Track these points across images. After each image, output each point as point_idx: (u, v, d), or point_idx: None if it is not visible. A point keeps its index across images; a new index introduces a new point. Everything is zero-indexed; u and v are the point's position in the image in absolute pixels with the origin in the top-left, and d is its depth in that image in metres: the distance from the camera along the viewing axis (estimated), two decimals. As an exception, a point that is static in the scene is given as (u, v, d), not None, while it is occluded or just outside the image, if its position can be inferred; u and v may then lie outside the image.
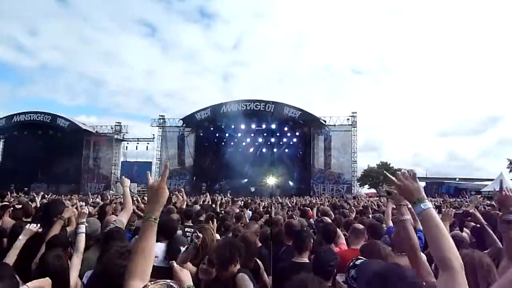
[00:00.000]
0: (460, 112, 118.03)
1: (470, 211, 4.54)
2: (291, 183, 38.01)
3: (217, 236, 4.48)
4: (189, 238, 3.65)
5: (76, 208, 3.39)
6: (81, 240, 3.09)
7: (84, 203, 3.55)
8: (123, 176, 4.16)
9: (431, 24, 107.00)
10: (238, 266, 2.70)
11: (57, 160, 37.51)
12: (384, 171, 1.84)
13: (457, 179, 55.09)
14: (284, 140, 39.23)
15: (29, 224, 3.21)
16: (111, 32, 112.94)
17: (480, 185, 43.95)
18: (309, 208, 8.54)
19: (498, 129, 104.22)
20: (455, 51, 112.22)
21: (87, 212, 3.47)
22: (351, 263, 2.49)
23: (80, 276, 2.92)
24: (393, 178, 1.72)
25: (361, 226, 4.12)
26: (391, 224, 4.89)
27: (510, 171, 50.86)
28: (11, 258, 2.88)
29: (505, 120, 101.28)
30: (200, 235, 3.22)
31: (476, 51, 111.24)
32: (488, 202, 17.75)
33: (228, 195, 12.45)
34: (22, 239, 3.03)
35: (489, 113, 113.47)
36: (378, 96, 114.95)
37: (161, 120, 39.75)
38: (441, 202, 15.91)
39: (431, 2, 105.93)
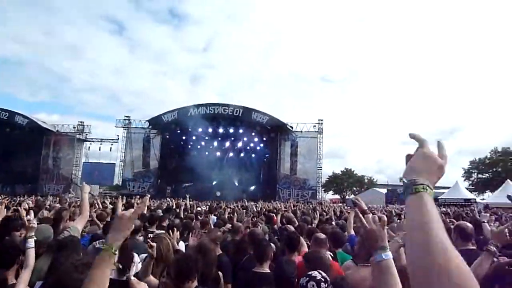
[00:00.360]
0: (423, 122, 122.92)
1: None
2: (257, 187, 38.10)
3: (181, 244, 4.42)
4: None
5: (24, 222, 3.20)
6: (31, 255, 2.97)
7: (32, 218, 3.35)
8: (84, 182, 3.99)
9: (398, 34, 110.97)
10: (195, 283, 2.65)
11: (13, 159, 35.88)
12: (358, 212, 1.84)
13: (417, 187, 56.89)
14: (251, 145, 39.31)
15: None
16: (78, 26, 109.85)
17: (438, 192, 45.79)
18: (273, 214, 8.57)
19: (456, 140, 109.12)
20: (418, 62, 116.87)
21: (36, 227, 3.30)
22: (305, 281, 2.49)
23: (30, 285, 2.81)
24: (363, 219, 1.69)
25: (323, 236, 4.17)
26: (353, 232, 5.00)
27: (464, 180, 53.50)
28: None
29: (463, 131, 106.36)
30: (154, 244, 3.17)
31: (438, 63, 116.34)
32: (444, 210, 18.50)
33: (188, 199, 12.31)
34: None
35: (450, 124, 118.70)
36: (344, 104, 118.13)
37: (127, 121, 38.94)
38: (401, 210, 16.39)
39: (398, 14, 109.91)
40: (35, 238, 3.25)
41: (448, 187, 39.11)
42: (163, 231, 4.68)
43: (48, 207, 8.74)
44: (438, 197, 38.43)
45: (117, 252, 1.57)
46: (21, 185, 36.45)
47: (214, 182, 37.84)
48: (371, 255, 1.58)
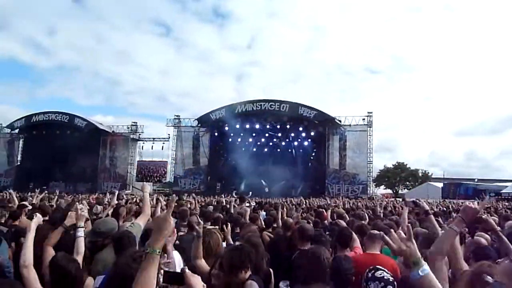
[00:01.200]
0: (479, 111, 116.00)
1: (483, 217, 4.39)
2: (306, 183, 37.82)
3: (230, 240, 4.50)
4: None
5: (76, 211, 3.33)
6: (80, 243, 3.09)
7: (83, 207, 3.48)
8: (144, 182, 4.21)
9: (449, 22, 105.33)
10: (248, 273, 2.67)
11: (74, 160, 38.21)
12: (383, 236, 1.72)
13: (476, 180, 53.99)
14: (299, 140, 39.14)
15: (36, 215, 3.22)
16: (126, 31, 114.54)
17: (501, 186, 43.10)
18: (323, 210, 8.47)
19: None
20: (474, 49, 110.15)
21: (86, 216, 3.45)
22: (369, 275, 2.42)
23: (94, 276, 2.91)
24: (388, 240, 1.59)
25: (377, 232, 4.05)
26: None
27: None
28: (27, 250, 2.84)
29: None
30: (199, 223, 3.22)
31: (496, 49, 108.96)
32: (507, 204, 17.36)
33: (234, 194, 12.42)
34: (33, 228, 3.04)
35: (508, 112, 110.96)
36: (393, 95, 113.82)
37: (176, 120, 40.08)
38: (460, 205, 15.60)
39: (450, 0, 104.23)
40: (99, 230, 3.44)
41: (512, 180, 36.64)
42: (216, 226, 4.77)
43: (106, 204, 9.17)
44: (501, 191, 36.26)
45: (160, 253, 1.65)
46: (82, 184, 38.77)
47: (261, 180, 37.97)
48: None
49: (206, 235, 3.41)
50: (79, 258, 2.94)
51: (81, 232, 3.15)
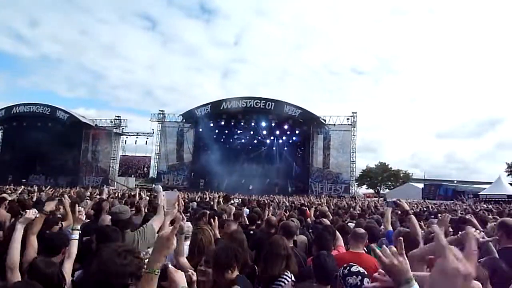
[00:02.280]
0: (459, 113, 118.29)
1: (467, 217, 4.51)
2: (289, 181, 38.13)
3: (217, 234, 4.49)
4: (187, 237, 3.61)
5: (68, 212, 3.31)
6: (74, 246, 3.04)
7: (81, 209, 3.46)
8: (159, 185, 4.28)
9: (432, 24, 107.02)
10: (235, 273, 2.64)
11: (55, 153, 37.57)
12: (375, 250, 1.56)
13: (455, 182, 55.20)
14: (284, 138, 39.24)
15: (26, 212, 3.15)
16: (111, 25, 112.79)
17: (479, 188, 44.06)
18: (306, 208, 8.53)
19: (497, 132, 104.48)
20: (457, 52, 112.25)
21: (84, 219, 3.44)
22: (346, 271, 2.45)
23: None
24: (380, 254, 1.47)
25: (362, 231, 4.11)
26: (390, 228, 4.90)
27: (508, 175, 51.10)
28: (14, 252, 2.81)
29: (505, 124, 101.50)
30: (184, 217, 3.17)
31: (478, 53, 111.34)
32: (485, 206, 17.78)
33: (215, 192, 12.43)
34: (20, 228, 2.97)
35: (488, 116, 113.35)
36: (378, 96, 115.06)
37: (161, 115, 39.79)
38: (439, 205, 15.92)
39: (434, 3, 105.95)
40: (119, 210, 3.57)
41: (490, 182, 37.54)
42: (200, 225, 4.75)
43: (88, 198, 9.07)
44: (479, 193, 37.07)
45: (158, 272, 1.63)
46: (63, 177, 38.09)
47: (244, 177, 37.99)
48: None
49: (198, 233, 3.40)
50: (69, 261, 2.91)
51: (76, 235, 3.13)
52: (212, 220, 4.51)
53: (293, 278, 3.15)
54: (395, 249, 1.46)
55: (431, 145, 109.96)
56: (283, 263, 3.22)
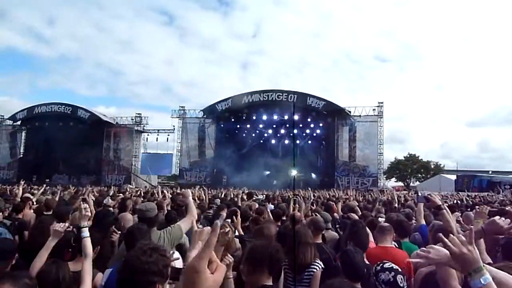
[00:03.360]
0: (492, 100, 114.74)
1: (506, 208, 4.35)
2: (314, 175, 38.06)
3: (240, 231, 4.49)
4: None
5: (79, 210, 3.28)
6: (87, 245, 3.00)
7: (87, 206, 3.42)
8: (187, 189, 4.30)
9: (461, 6, 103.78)
10: (266, 277, 2.40)
11: (78, 152, 38.45)
12: (442, 237, 1.51)
13: (490, 172, 53.57)
14: (307, 131, 39.13)
15: (55, 224, 3.19)
16: (128, 20, 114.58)
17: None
18: (333, 203, 8.47)
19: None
20: (488, 36, 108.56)
21: (90, 215, 3.45)
22: (378, 268, 2.44)
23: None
24: (449, 243, 1.47)
25: (386, 224, 4.06)
26: (423, 222, 4.80)
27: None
28: (42, 259, 2.91)
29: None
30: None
31: (509, 35, 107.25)
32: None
33: (238, 189, 12.47)
34: (51, 246, 3.04)
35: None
36: (403, 84, 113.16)
37: (181, 111, 40.13)
38: (474, 197, 15.50)
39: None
40: (146, 208, 3.60)
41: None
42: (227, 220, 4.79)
43: (110, 196, 9.28)
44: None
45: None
46: (86, 176, 39.05)
47: (268, 172, 38.13)
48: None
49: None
50: (87, 261, 2.89)
51: (86, 232, 3.09)
52: (234, 217, 4.51)
53: (322, 266, 3.37)
54: (463, 238, 1.47)
55: (462, 134, 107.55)
56: (313, 250, 3.45)
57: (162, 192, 10.92)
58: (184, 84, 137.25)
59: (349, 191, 19.60)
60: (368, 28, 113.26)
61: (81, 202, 3.91)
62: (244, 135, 39.75)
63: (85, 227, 3.13)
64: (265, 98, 35.76)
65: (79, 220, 3.20)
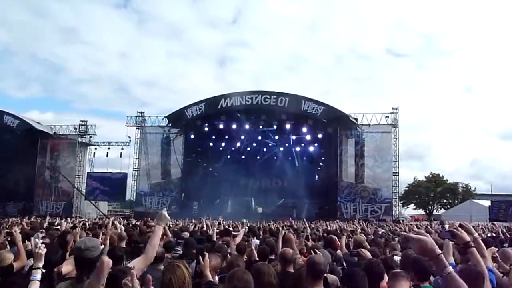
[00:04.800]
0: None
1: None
2: (311, 202, 37.95)
3: (209, 276, 4.42)
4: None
5: (20, 248, 3.27)
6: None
7: (39, 243, 3.44)
8: (164, 212, 4.08)
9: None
10: None
11: (3, 171, 37.57)
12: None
13: (533, 197, 54.37)
14: (302, 144, 39.25)
15: None
16: (72, 3, 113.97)
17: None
18: (335, 237, 8.46)
19: None
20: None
21: (44, 254, 3.43)
22: None
23: None
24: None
25: (400, 270, 4.04)
26: (452, 260, 4.79)
27: None
28: None
29: None
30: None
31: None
32: None
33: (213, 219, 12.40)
34: None
35: None
36: (424, 86, 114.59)
37: (140, 118, 39.90)
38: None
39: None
40: (86, 245, 3.46)
41: None
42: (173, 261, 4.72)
43: (43, 230, 9.14)
44: None
45: None
46: (13, 204, 38.27)
47: (251, 198, 38.01)
48: None
49: (167, 271, 3.29)
50: None
51: (38, 275, 3.12)
52: (201, 257, 4.46)
53: None
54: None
55: (497, 149, 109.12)
56: None
57: (113, 223, 10.78)
58: (144, 84, 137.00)
59: (356, 222, 19.63)
60: (379, 16, 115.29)
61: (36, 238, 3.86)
62: (220, 149, 39.68)
63: (38, 268, 3.17)
64: (248, 101, 35.81)
65: (34, 259, 3.23)
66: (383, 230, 14.14)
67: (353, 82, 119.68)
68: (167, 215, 4.05)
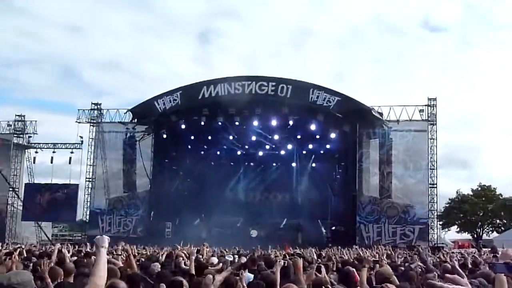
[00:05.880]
0: None
1: None
2: (321, 223, 38.08)
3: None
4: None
5: None
6: None
7: None
8: (103, 236, 4.02)
9: None
10: None
11: None
12: None
13: None
14: (310, 146, 39.44)
15: None
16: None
17: None
18: (353, 269, 8.44)
19: None
20: None
21: None
22: None
23: None
24: None
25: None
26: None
27: None
28: None
29: None
30: None
31: None
32: None
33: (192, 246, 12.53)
34: None
35: None
36: (470, 69, 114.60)
37: (95, 111, 39.91)
38: None
39: None
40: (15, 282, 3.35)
41: None
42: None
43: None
44: None
45: None
46: None
47: (241, 218, 37.89)
48: None
49: None
50: None
51: None
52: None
53: None
54: None
55: None
56: None
57: (60, 251, 10.71)
58: (100, 67, 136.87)
59: (381, 249, 19.62)
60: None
61: None
62: (202, 153, 39.94)
63: None
64: (238, 90, 35.58)
65: None
66: (417, 263, 14.11)
67: (377, 64, 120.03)
68: (104, 238, 3.94)
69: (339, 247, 23.03)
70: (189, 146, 39.07)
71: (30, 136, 41.65)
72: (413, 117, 36.46)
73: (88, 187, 39.64)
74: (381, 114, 36.35)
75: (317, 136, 38.09)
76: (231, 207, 36.67)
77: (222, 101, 35.72)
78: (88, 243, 23.04)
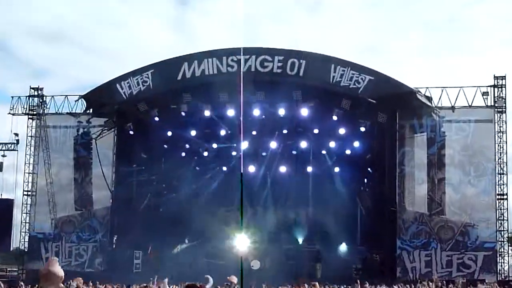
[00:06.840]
0: None
1: None
2: (348, 248, 37.61)
3: None
4: None
5: None
6: None
7: None
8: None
9: None
10: None
11: None
12: None
13: None
14: (331, 145, 38.43)
15: None
16: None
17: None
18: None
19: None
20: None
21: None
22: None
23: None
24: None
25: None
26: None
27: None
28: None
29: None
30: None
31: None
32: None
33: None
34: None
35: None
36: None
37: (35, 98, 39.27)
38: None
39: None
40: None
41: None
42: None
43: None
44: None
45: None
46: None
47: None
48: None
49: None
50: None
51: None
52: None
53: None
54: None
55: None
56: None
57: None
58: (41, 37, 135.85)
59: (432, 285, 19.54)
60: None
61: None
62: (183, 156, 39.37)
63: None
64: (231, 67, 34.63)
65: None
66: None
67: (422, 31, 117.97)
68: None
69: (374, 283, 23.24)
70: (165, 146, 38.59)
71: None
72: (473, 103, 35.31)
73: (26, 203, 39.34)
74: (429, 98, 35.36)
75: (341, 130, 37.17)
76: (223, 229, 36.01)
77: (210, 82, 35.04)
78: (27, 280, 22.03)
